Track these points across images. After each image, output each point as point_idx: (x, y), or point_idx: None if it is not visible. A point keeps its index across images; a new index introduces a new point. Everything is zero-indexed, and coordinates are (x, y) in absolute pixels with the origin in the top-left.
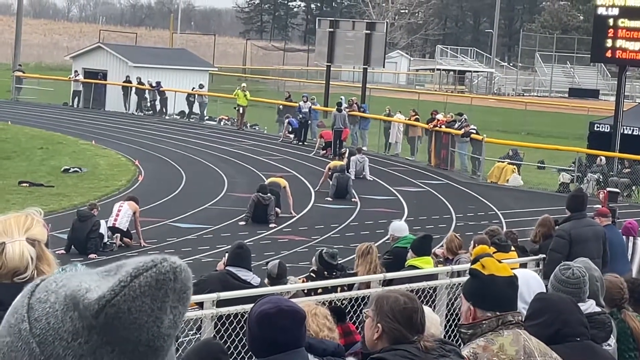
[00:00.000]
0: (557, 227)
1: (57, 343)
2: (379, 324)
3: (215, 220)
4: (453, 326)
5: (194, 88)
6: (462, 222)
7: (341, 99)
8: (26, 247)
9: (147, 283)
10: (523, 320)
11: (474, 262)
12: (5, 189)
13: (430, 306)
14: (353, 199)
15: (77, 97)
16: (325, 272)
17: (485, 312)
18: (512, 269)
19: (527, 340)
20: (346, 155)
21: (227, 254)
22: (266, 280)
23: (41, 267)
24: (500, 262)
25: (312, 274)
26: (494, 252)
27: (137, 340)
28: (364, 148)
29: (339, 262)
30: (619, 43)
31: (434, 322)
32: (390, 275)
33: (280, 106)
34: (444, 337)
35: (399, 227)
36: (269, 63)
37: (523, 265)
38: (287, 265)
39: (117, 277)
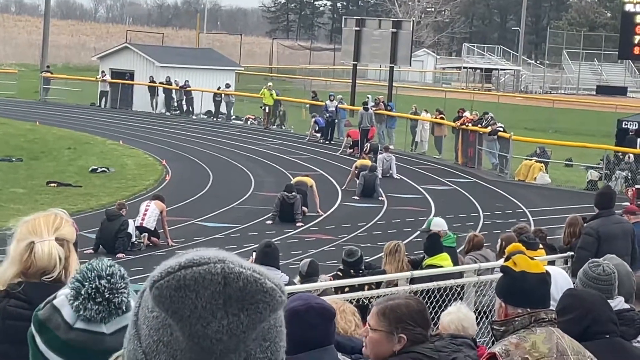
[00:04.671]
0: (585, 224)
1: (142, 310)
2: (401, 335)
3: (242, 219)
4: (480, 323)
5: (219, 88)
6: (489, 220)
7: (368, 97)
8: (55, 247)
9: (193, 278)
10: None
11: (506, 259)
12: (34, 189)
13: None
14: (380, 198)
15: (104, 98)
16: (352, 271)
17: (516, 309)
18: None
19: (560, 338)
20: (368, 150)
21: (255, 253)
22: (297, 278)
23: (68, 267)
24: (532, 259)
25: (339, 272)
26: None
27: (183, 332)
28: (391, 147)
29: (367, 260)
30: None
31: (471, 322)
32: (418, 273)
33: (307, 105)
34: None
35: (441, 223)
36: (296, 62)
37: (551, 263)
38: None
39: (170, 262)
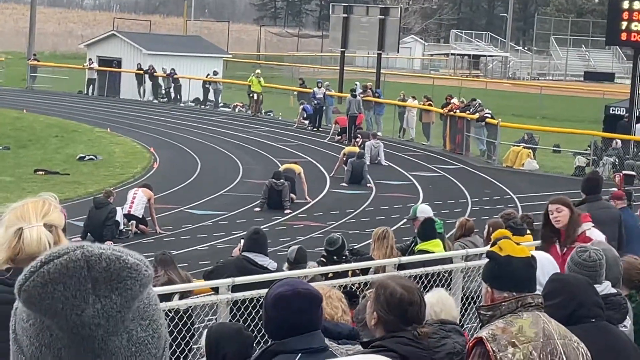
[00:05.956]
0: None
1: (19, 324)
2: (374, 312)
3: (230, 206)
4: (468, 309)
5: (208, 75)
6: (477, 206)
7: (355, 84)
8: (44, 232)
9: (56, 270)
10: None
11: (492, 245)
12: (21, 177)
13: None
14: (368, 185)
15: (91, 85)
16: (334, 257)
17: (502, 293)
18: None
19: (547, 322)
20: (360, 142)
21: (243, 240)
22: (285, 265)
23: None
24: (518, 244)
25: (322, 259)
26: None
27: (60, 327)
28: (379, 133)
29: (355, 246)
30: (634, 25)
31: (450, 307)
32: (405, 259)
33: (295, 92)
34: (460, 320)
35: (427, 209)
36: (283, 49)
37: (539, 248)
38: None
39: (32, 264)
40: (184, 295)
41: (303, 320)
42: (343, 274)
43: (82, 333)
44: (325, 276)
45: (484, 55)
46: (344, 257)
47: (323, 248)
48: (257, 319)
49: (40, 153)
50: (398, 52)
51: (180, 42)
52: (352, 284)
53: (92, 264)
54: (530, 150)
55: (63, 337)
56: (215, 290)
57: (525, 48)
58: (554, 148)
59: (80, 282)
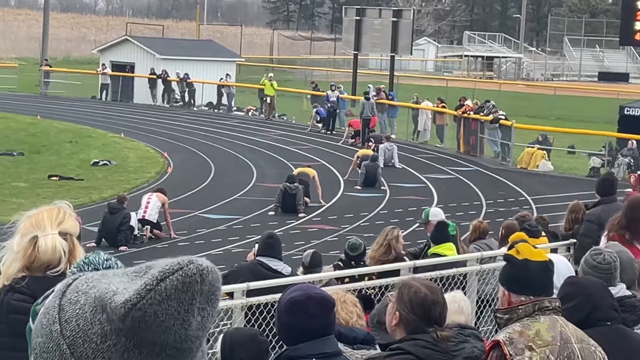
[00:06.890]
0: (587, 211)
1: (86, 345)
2: (397, 312)
3: (244, 210)
4: (484, 312)
5: (221, 79)
6: (492, 208)
7: (369, 87)
8: (59, 240)
9: (173, 286)
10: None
11: (509, 248)
12: (35, 183)
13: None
14: (382, 187)
15: (105, 91)
16: (352, 262)
17: (519, 297)
18: None
19: (564, 326)
20: (372, 147)
21: (257, 245)
22: (300, 269)
23: (73, 260)
24: (535, 247)
25: (339, 263)
26: None
27: (165, 343)
28: (393, 136)
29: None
30: None
31: (456, 311)
32: (420, 262)
33: (309, 95)
34: (475, 323)
35: (439, 212)
36: (296, 53)
37: (554, 251)
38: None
39: (143, 280)
40: None
41: (316, 325)
42: (358, 278)
43: (184, 347)
44: (341, 280)
45: (498, 57)
46: (362, 263)
47: (343, 252)
48: (272, 324)
49: (54, 158)
50: (411, 54)
51: (193, 47)
52: (368, 288)
53: (204, 278)
54: (544, 152)
55: (159, 354)
56: (230, 295)
57: (539, 49)
58: (569, 149)
59: (194, 297)
